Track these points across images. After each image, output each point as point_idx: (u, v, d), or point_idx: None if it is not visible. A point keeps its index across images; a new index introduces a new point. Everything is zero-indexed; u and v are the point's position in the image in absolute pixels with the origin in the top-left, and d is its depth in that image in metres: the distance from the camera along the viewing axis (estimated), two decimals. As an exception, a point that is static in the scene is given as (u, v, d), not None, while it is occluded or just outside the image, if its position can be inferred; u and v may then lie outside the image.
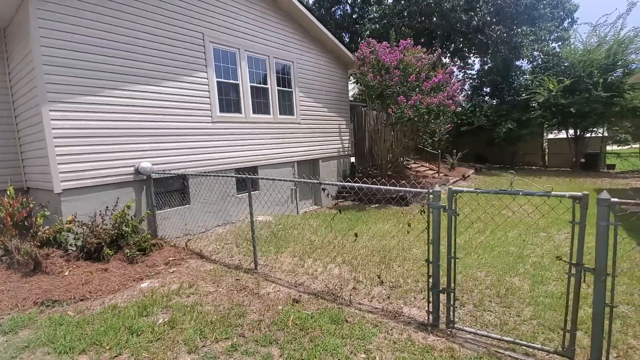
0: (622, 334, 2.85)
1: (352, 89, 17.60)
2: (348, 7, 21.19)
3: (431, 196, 2.91)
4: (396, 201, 9.15)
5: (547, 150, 18.62)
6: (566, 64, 14.68)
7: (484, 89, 19.39)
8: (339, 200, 10.28)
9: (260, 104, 7.90)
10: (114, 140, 5.40)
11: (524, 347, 2.68)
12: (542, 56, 16.27)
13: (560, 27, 16.82)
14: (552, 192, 2.39)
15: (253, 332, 2.98)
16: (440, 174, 12.88)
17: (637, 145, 18.07)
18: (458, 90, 10.80)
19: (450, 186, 2.81)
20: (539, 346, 2.61)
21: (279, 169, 8.34)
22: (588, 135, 16.11)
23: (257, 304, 3.50)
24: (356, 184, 3.26)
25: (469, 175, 13.76)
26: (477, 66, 21.49)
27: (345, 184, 3.39)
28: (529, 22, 15.49)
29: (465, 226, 6.62)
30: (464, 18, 15.11)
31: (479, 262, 4.58)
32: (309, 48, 9.18)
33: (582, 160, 15.99)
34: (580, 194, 2.28)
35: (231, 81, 7.24)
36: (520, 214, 6.15)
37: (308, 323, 3.06)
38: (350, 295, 3.68)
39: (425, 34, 17.85)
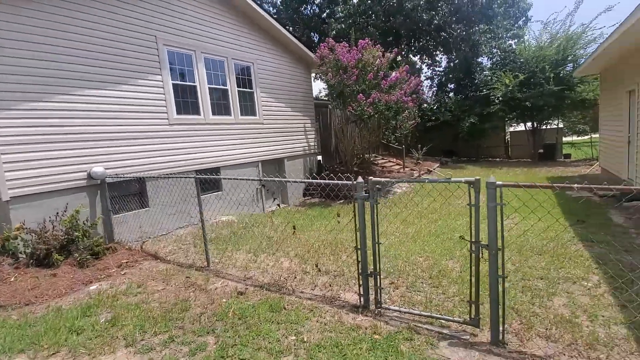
0: (530, 304, 3.18)
1: (325, 88, 17.81)
2: (316, 7, 21.42)
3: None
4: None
5: (509, 142, 19.51)
6: (521, 60, 15.46)
7: (449, 85, 20.10)
8: (306, 198, 10.47)
9: (220, 105, 7.97)
10: (64, 145, 5.35)
11: (440, 321, 2.95)
12: (499, 53, 17.05)
13: (516, 25, 17.70)
14: (452, 179, 2.66)
15: (193, 324, 3.11)
16: (406, 169, 13.29)
17: (595, 135, 19.22)
18: (418, 87, 11.21)
19: (370, 178, 3.03)
20: (451, 318, 2.89)
21: (243, 169, 8.44)
22: (544, 127, 17.00)
23: (203, 298, 3.63)
24: (292, 179, 3.45)
25: (434, 169, 14.27)
26: (444, 63, 22.26)
27: (283, 179, 3.58)
28: (486, 20, 16.21)
29: (417, 215, 6.96)
30: (425, 17, 15.64)
31: (422, 248, 4.88)
32: (269, 49, 9.31)
33: (541, 151, 16.86)
34: (473, 179, 2.55)
35: (188, 83, 7.27)
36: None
37: (248, 312, 3.23)
38: (295, 285, 3.87)
39: (393, 32, 18.32)
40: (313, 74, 11.95)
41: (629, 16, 5.42)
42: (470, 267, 2.73)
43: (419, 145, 15.02)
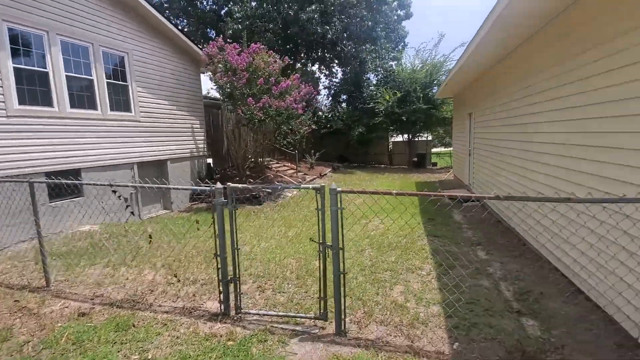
0: (375, 294, 3.63)
1: (213, 87, 17.15)
2: (212, 2, 20.51)
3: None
4: (250, 201, 9.36)
5: (392, 151, 22.07)
6: (399, 80, 17.70)
7: (343, 95, 21.67)
8: (193, 203, 9.88)
9: (83, 98, 6.92)
10: None
11: (296, 319, 3.12)
12: (382, 71, 19.23)
13: (396, 49, 20.24)
14: (302, 185, 2.86)
15: (11, 356, 2.60)
16: (300, 173, 13.78)
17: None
18: (311, 96, 11.74)
19: (228, 184, 3.04)
20: (304, 315, 3.09)
21: (113, 171, 7.47)
22: (417, 139, 19.78)
23: (32, 324, 3.07)
24: (133, 184, 3.19)
25: (325, 174, 15.15)
26: (340, 75, 23.84)
27: (121, 184, 3.28)
28: (371, 41, 18.08)
29: (300, 219, 7.27)
30: (319, 31, 16.53)
31: (297, 250, 5.10)
32: (150, 40, 8.51)
33: (415, 159, 19.54)
34: (319, 185, 2.79)
35: (37, 69, 6.10)
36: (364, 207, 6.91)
37: (86, 336, 2.85)
38: (154, 299, 3.59)
39: (292, 41, 18.79)
40: (208, 74, 11.38)
41: (459, 57, 6.76)
42: (319, 266, 2.97)
43: (313, 151, 15.74)
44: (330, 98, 22.66)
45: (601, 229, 3.12)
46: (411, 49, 22.57)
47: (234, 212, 3.04)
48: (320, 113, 19.80)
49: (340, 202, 2.75)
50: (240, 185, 2.99)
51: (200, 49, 9.81)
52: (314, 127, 14.44)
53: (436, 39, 17.87)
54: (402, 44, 20.74)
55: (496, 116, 7.00)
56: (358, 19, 16.91)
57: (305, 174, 13.83)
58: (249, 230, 6.40)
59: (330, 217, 2.77)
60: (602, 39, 3.23)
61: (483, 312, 3.27)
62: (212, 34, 21.13)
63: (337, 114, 19.93)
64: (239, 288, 3.16)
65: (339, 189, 2.73)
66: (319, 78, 23.38)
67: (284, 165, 14.47)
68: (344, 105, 21.54)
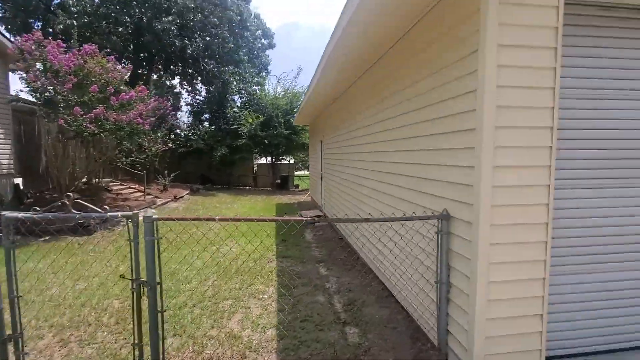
0: (210, 327, 3.40)
1: (23, 89, 13.84)
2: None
3: None
4: (75, 231, 7.66)
5: (257, 172, 22.26)
6: (263, 104, 18.24)
7: (205, 115, 20.80)
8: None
9: None
10: None
11: (102, 375, 2.60)
12: (246, 95, 19.49)
13: (260, 75, 20.96)
14: (109, 213, 2.47)
15: None
16: (150, 196, 12.25)
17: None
18: (167, 111, 10.75)
19: (4, 213, 2.36)
20: (113, 368, 2.61)
21: None
22: (280, 162, 20.62)
23: None
24: None
25: (182, 196, 13.94)
26: (204, 93, 22.79)
27: None
28: (234, 64, 18.19)
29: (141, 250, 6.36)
30: (178, 44, 15.57)
31: (124, 288, 4.37)
32: None
33: (278, 181, 20.21)
34: (130, 213, 2.46)
35: None
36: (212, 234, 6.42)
37: None
38: None
39: (147, 49, 16.95)
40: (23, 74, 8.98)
41: (306, 92, 7.49)
42: (133, 307, 2.58)
43: (167, 171, 14.35)
44: (192, 116, 21.41)
45: (388, 238, 3.82)
46: (274, 76, 23.85)
47: (12, 251, 2.36)
48: (178, 131, 18.39)
49: (157, 231, 2.49)
50: (20, 214, 2.36)
51: (10, 40, 7.77)
52: (170, 145, 13.23)
53: (296, 71, 19.30)
54: (266, 71, 21.66)
55: (336, 145, 7.94)
56: (220, 40, 16.78)
57: (156, 197, 12.37)
58: (65, 268, 5.18)
59: (145, 248, 2.46)
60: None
61: (314, 327, 3.47)
62: (38, 25, 17.20)
63: (199, 133, 18.93)
64: (22, 347, 2.43)
65: (155, 216, 2.47)
66: (180, 93, 21.87)
67: (130, 187, 12.62)
68: (206, 124, 20.67)
